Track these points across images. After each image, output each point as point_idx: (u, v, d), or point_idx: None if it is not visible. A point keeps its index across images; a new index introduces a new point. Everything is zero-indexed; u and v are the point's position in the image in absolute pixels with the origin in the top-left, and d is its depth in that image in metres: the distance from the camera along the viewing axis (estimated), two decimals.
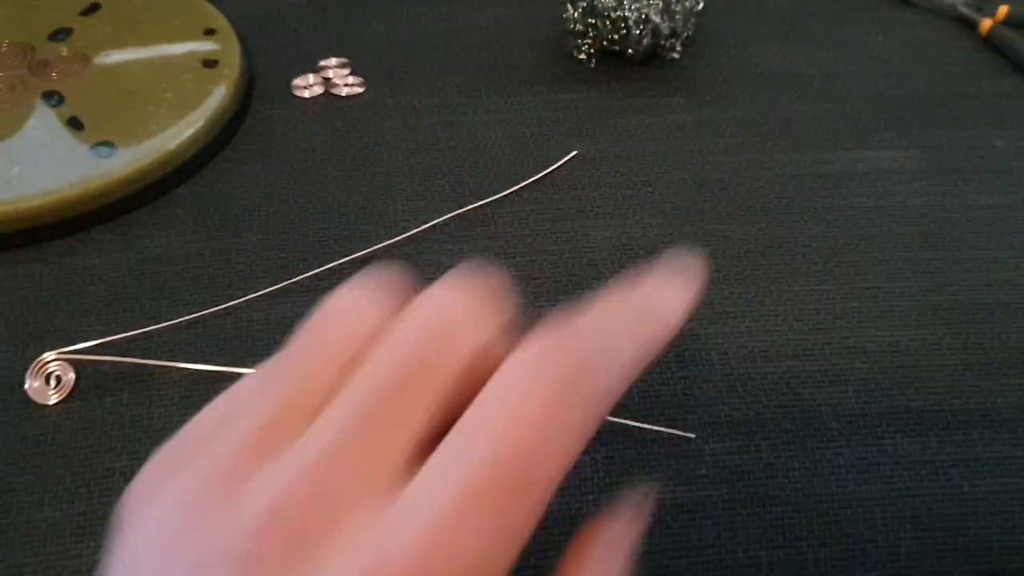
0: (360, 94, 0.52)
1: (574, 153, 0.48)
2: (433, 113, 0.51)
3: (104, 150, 0.46)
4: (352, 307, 0.22)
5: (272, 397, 0.20)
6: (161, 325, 0.40)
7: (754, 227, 0.45)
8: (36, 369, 0.38)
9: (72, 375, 0.38)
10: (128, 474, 0.35)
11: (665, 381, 0.39)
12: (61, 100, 0.49)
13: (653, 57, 0.54)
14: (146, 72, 0.50)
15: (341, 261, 0.42)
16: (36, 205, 0.43)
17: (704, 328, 0.40)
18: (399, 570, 0.17)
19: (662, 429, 0.37)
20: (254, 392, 0.21)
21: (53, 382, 0.38)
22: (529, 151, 0.49)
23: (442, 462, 0.19)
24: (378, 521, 0.18)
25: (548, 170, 0.47)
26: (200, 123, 0.48)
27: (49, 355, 0.38)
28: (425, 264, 0.43)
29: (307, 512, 0.18)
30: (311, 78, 0.53)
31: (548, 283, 0.42)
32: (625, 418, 0.37)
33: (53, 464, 0.36)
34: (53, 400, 0.38)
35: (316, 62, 0.54)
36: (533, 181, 0.46)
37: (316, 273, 0.42)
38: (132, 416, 0.37)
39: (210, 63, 0.51)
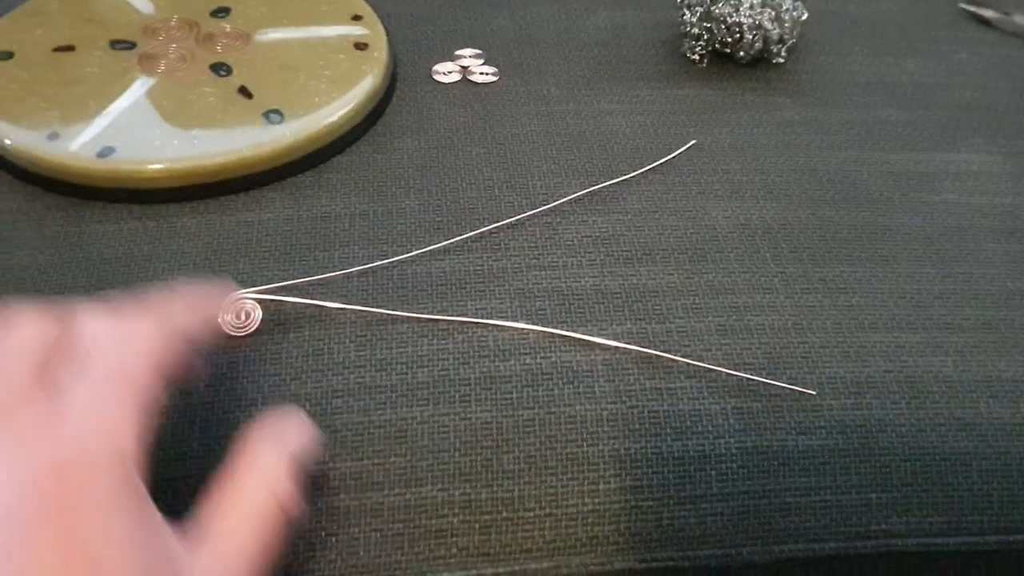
0: (495, 82, 0.56)
1: (692, 142, 0.52)
2: (563, 101, 0.55)
3: (275, 117, 0.50)
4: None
5: None
6: (336, 273, 0.44)
7: (860, 215, 0.49)
8: (228, 305, 0.41)
9: (259, 312, 0.42)
10: (313, 399, 0.39)
11: (787, 345, 0.43)
12: (229, 71, 0.53)
13: (760, 60, 0.58)
14: (304, 50, 0.54)
15: (493, 226, 0.47)
16: (218, 163, 0.47)
17: (819, 300, 0.44)
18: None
19: (787, 386, 0.41)
20: None
21: (243, 317, 0.41)
22: (650, 138, 0.53)
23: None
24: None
25: (671, 156, 0.51)
26: (357, 99, 0.52)
27: (239, 293, 0.42)
28: (564, 231, 0.48)
29: None
30: (449, 65, 0.57)
31: (674, 254, 0.47)
32: (753, 374, 0.41)
33: (247, 389, 0.40)
34: (244, 333, 0.41)
35: (452, 51, 0.58)
36: (658, 165, 0.51)
37: (471, 236, 0.46)
38: (314, 350, 0.41)
39: (361, 46, 0.55)
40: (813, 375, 0.42)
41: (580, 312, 0.44)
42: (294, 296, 0.42)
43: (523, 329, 0.42)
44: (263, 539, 0.29)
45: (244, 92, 0.51)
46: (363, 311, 0.42)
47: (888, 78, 0.59)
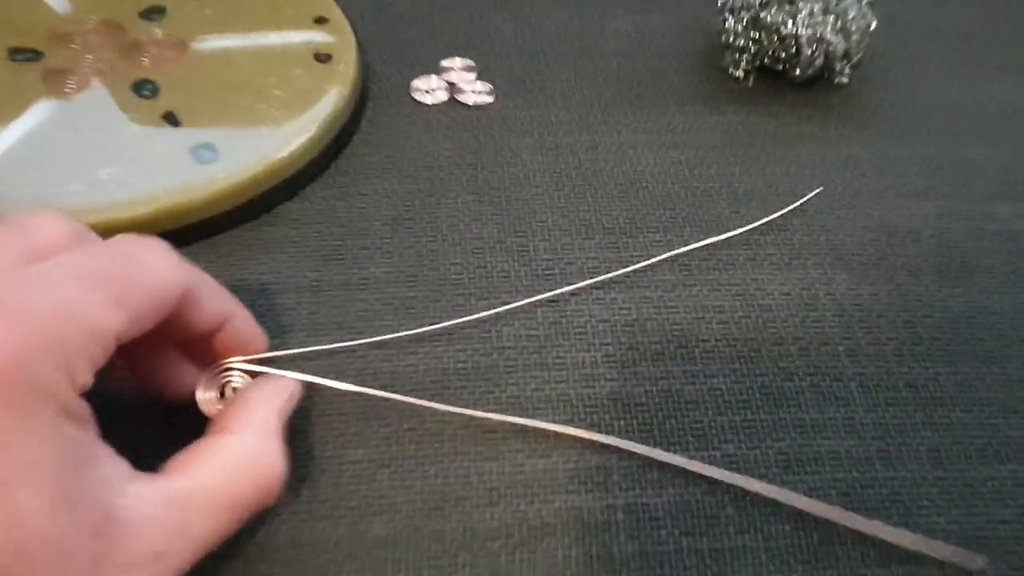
0: (490, 104, 0.45)
1: (816, 191, 0.40)
2: (574, 131, 0.43)
3: (205, 154, 0.39)
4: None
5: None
6: (325, 347, 0.34)
7: (954, 291, 0.37)
8: (211, 376, 0.31)
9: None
10: None
11: (870, 482, 0.31)
12: (155, 91, 0.41)
13: (818, 79, 0.46)
14: (252, 64, 0.43)
15: (482, 315, 0.35)
16: (127, 216, 0.37)
17: (909, 416, 0.33)
18: None
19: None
20: None
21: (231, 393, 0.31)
22: (684, 182, 0.41)
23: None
24: None
25: (745, 229, 0.39)
26: (313, 128, 0.40)
27: (224, 362, 0.31)
28: (573, 314, 0.37)
29: None
30: (433, 80, 0.45)
31: (718, 347, 0.37)
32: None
33: None
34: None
35: (438, 62, 0.46)
36: (721, 239, 0.38)
37: (453, 324, 0.34)
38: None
39: (323, 57, 0.43)
40: (907, 523, 0.29)
41: (592, 426, 0.33)
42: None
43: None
44: (235, 494, 0.26)
45: (170, 119, 0.39)
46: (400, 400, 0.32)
47: (975, 101, 0.47)
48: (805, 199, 0.41)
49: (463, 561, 0.29)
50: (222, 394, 0.30)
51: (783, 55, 0.45)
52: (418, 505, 0.30)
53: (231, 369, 0.30)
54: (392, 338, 0.34)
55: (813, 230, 0.40)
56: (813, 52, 0.44)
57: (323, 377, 0.31)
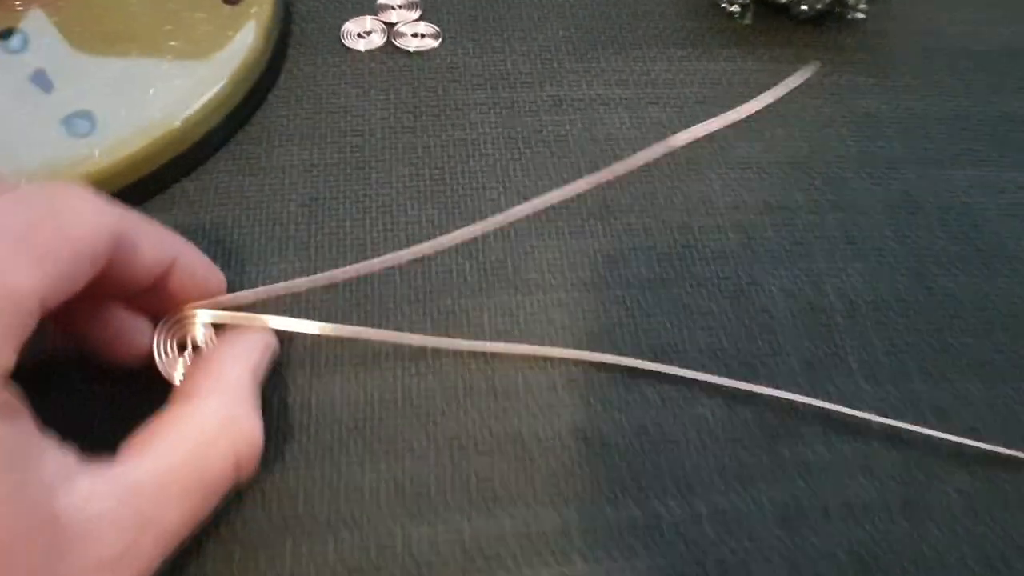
0: (434, 49, 0.36)
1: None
2: (534, 84, 0.35)
3: (80, 124, 0.32)
4: None
5: None
6: (291, 283, 0.25)
7: (991, 283, 0.30)
8: (171, 324, 0.27)
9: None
10: None
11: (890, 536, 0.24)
12: (24, 43, 0.33)
13: (828, 14, 0.37)
14: (145, 8, 0.35)
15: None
16: None
17: (939, 453, 0.26)
18: None
19: None
20: None
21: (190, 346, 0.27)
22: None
23: None
24: None
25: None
26: (217, 86, 0.33)
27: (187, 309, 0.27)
28: (525, 267, 0.28)
29: None
30: (368, 22, 0.37)
31: (705, 356, 0.30)
32: None
33: None
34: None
35: (374, 0, 0.38)
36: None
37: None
38: None
39: None
40: None
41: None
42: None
43: None
44: (204, 472, 0.22)
45: (40, 80, 0.32)
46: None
47: (1015, 44, 0.38)
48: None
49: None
50: (182, 349, 0.26)
51: None
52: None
53: (190, 318, 0.26)
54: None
55: (820, 208, 0.32)
56: None
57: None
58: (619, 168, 0.26)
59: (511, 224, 0.29)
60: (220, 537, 0.25)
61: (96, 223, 0.21)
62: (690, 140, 0.26)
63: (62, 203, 0.21)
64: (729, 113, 0.27)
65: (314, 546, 0.25)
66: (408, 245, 0.29)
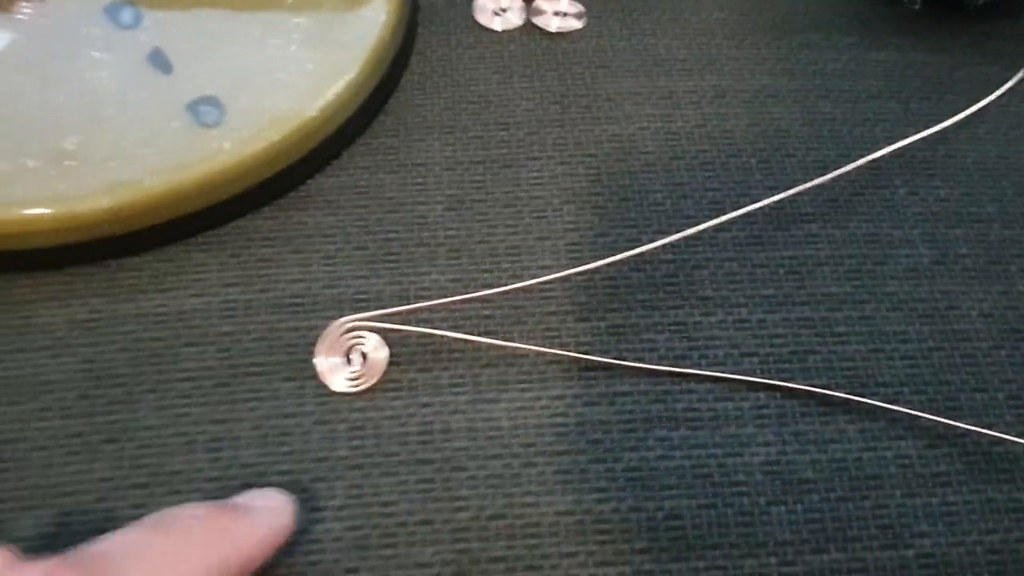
0: (578, 30, 0.37)
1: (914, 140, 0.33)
2: (692, 71, 0.36)
3: (208, 112, 0.32)
4: None
5: None
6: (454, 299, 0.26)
7: None
8: (332, 340, 0.29)
9: (386, 352, 0.30)
10: None
11: None
12: (136, 18, 0.33)
13: (1003, 3, 0.37)
14: None
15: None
16: (104, 207, 0.30)
17: None
18: None
19: None
20: None
21: (359, 362, 0.29)
22: (841, 141, 0.33)
23: None
24: None
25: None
26: (352, 71, 0.33)
27: (345, 320, 0.29)
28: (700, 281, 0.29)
29: None
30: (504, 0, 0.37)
31: (906, 389, 0.30)
32: None
33: None
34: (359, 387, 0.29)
35: None
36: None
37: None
38: None
39: None
40: None
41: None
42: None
43: None
44: None
45: (158, 60, 0.32)
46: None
47: None
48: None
49: None
50: (348, 359, 0.28)
51: None
52: None
53: (354, 330, 0.28)
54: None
55: (1015, 220, 0.32)
56: None
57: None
58: (814, 183, 0.26)
59: (687, 238, 0.29)
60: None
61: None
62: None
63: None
64: (947, 123, 0.27)
65: None
66: (567, 255, 0.30)
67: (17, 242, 0.30)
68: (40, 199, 0.30)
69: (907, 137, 0.33)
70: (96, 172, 0.30)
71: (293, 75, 0.33)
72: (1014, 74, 0.37)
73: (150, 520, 0.23)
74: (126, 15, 0.34)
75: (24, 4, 0.34)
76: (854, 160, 0.33)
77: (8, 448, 0.27)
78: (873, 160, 0.33)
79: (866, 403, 0.28)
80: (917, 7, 0.39)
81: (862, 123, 0.35)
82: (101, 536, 0.22)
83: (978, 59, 0.38)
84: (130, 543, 0.22)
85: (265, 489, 0.26)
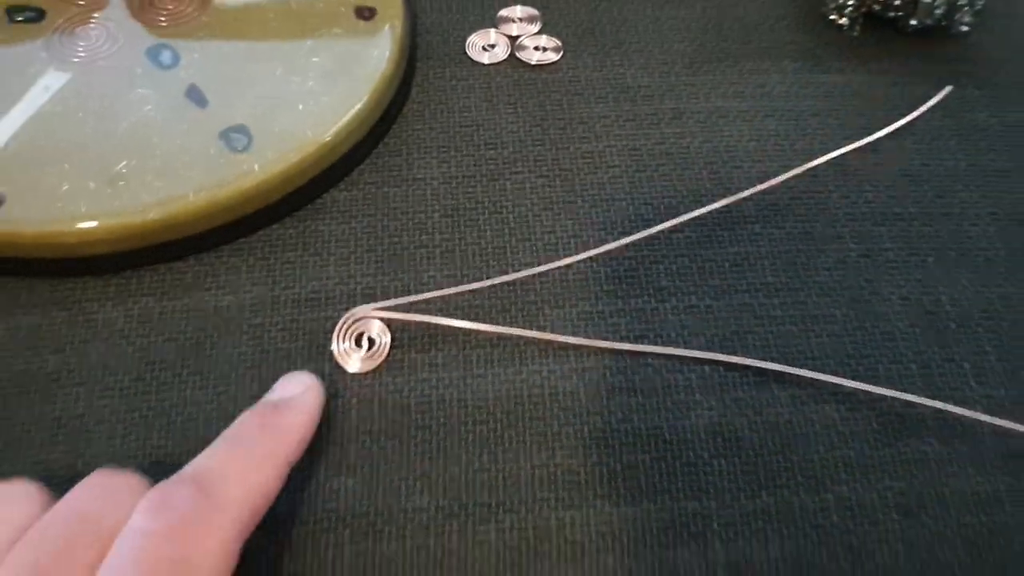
0: (555, 62, 0.42)
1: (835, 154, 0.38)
2: (654, 96, 0.41)
3: (238, 139, 0.37)
4: (5, 500, 0.26)
5: None
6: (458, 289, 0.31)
7: None
8: (347, 327, 0.35)
9: (388, 338, 0.35)
10: None
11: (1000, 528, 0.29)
12: (175, 58, 0.39)
13: (934, 29, 0.42)
14: (283, 22, 0.40)
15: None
16: (153, 219, 0.35)
17: None
18: None
19: None
20: None
21: (367, 344, 0.35)
22: (783, 154, 0.38)
23: None
24: None
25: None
26: (361, 101, 0.38)
27: (358, 310, 0.35)
28: (657, 274, 0.35)
29: None
30: (492, 35, 0.42)
31: (827, 362, 0.35)
32: None
33: None
34: (368, 367, 0.35)
35: (496, 12, 0.43)
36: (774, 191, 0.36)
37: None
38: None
39: (365, 12, 0.41)
40: None
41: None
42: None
43: None
44: None
45: (195, 95, 0.37)
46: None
47: None
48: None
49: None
50: (358, 343, 0.34)
51: (897, 2, 0.41)
52: (492, 562, 0.30)
53: (366, 318, 0.34)
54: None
55: (933, 218, 0.37)
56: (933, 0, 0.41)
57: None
58: (756, 189, 0.32)
59: (647, 238, 0.35)
60: (393, 520, 0.30)
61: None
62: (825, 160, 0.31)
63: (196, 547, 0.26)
64: (877, 135, 0.33)
65: (477, 528, 0.30)
66: (545, 253, 0.35)
67: (82, 250, 0.35)
68: (99, 214, 0.35)
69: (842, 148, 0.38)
70: (144, 191, 0.35)
71: (311, 106, 0.38)
72: (940, 91, 0.42)
73: (225, 438, 0.29)
74: (165, 56, 0.40)
75: (78, 50, 0.40)
76: (794, 170, 0.38)
77: (77, 422, 0.32)
78: (810, 168, 0.38)
79: (795, 373, 0.33)
80: (856, 33, 0.44)
81: (802, 137, 0.40)
82: (198, 456, 0.28)
83: (909, 79, 0.43)
84: (220, 460, 0.27)
85: (294, 374, 0.32)
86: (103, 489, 0.26)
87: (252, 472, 0.27)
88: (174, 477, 0.27)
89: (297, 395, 0.31)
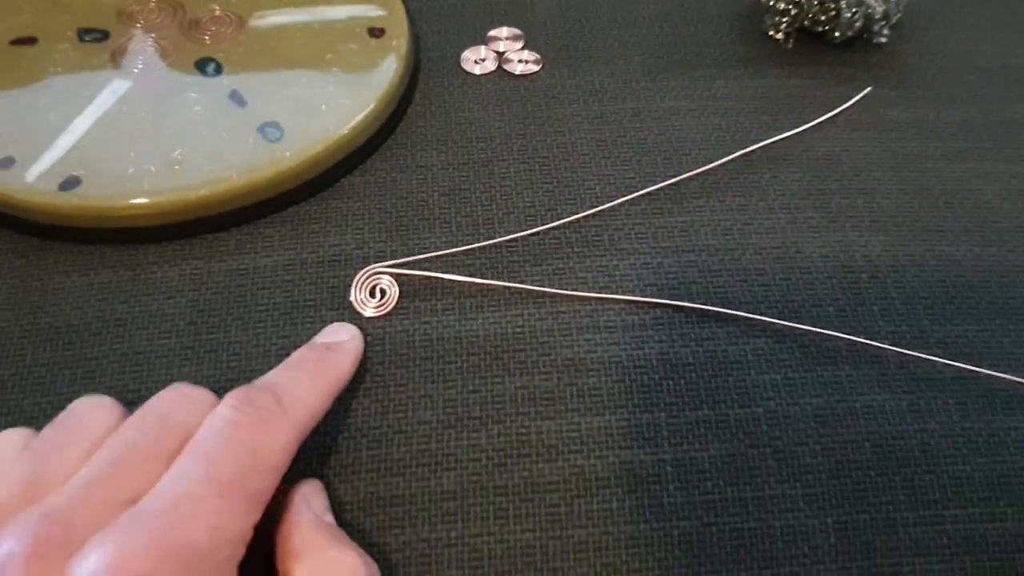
0: (536, 72, 0.48)
1: (767, 142, 0.44)
2: (618, 99, 0.47)
3: (272, 132, 0.42)
4: (90, 409, 0.30)
5: (27, 469, 0.27)
6: (461, 249, 0.36)
7: (986, 251, 0.41)
8: (362, 281, 0.40)
9: (396, 290, 0.40)
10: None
11: (901, 435, 0.35)
12: (219, 69, 0.45)
13: (856, 40, 0.48)
14: (307, 40, 0.46)
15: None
16: (204, 195, 0.40)
17: (939, 373, 0.36)
18: (143, 550, 0.24)
19: None
20: (14, 462, 0.28)
21: (379, 295, 0.40)
22: (725, 147, 0.44)
23: (171, 475, 0.27)
24: (127, 517, 0.25)
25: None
26: (373, 103, 0.44)
27: (372, 267, 0.40)
28: (604, 261, 0.41)
29: (74, 519, 0.25)
30: (482, 51, 0.49)
31: (759, 306, 0.40)
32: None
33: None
34: (380, 312, 0.40)
35: (486, 32, 0.49)
36: (724, 168, 0.42)
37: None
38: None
39: (376, 32, 0.47)
40: (935, 471, 0.33)
41: (642, 386, 0.37)
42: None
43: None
44: None
45: (236, 98, 0.43)
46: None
47: (1013, 63, 0.50)
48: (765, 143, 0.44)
49: (525, 511, 0.34)
50: (372, 294, 0.39)
51: (823, 17, 0.48)
52: (483, 462, 0.35)
53: (378, 273, 0.39)
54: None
55: (851, 193, 0.43)
56: (853, 15, 0.47)
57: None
58: (700, 170, 0.38)
59: (610, 209, 0.41)
60: (402, 431, 0.36)
61: (282, 455, 0.30)
62: (758, 147, 0.37)
63: (254, 438, 0.29)
64: (804, 127, 0.39)
65: (470, 435, 0.36)
66: (525, 224, 0.41)
67: (144, 221, 0.40)
68: (159, 191, 0.40)
69: (769, 139, 0.44)
70: (196, 173, 0.40)
71: (332, 106, 0.44)
72: (860, 92, 0.48)
73: (289, 364, 0.33)
74: (210, 68, 0.46)
75: (137, 63, 0.46)
76: (732, 155, 0.44)
77: (141, 357, 0.38)
78: (746, 153, 0.44)
79: (732, 314, 0.39)
80: (790, 46, 0.50)
81: (741, 130, 0.46)
82: (267, 374, 0.32)
83: (834, 82, 0.49)
84: (288, 379, 0.32)
85: (341, 325, 0.37)
86: (182, 396, 0.30)
87: (312, 394, 0.32)
88: (254, 383, 0.31)
89: (344, 341, 0.36)
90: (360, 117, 0.43)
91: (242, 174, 0.41)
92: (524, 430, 0.35)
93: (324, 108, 0.43)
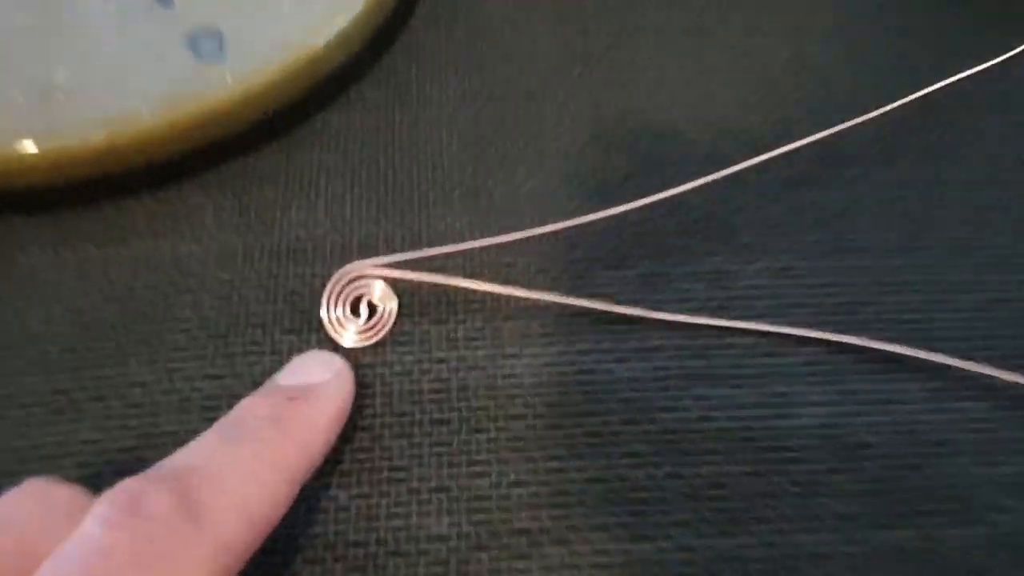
0: None
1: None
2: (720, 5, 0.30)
3: (207, 45, 0.28)
4: None
5: None
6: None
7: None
8: (338, 288, 0.25)
9: (394, 305, 0.25)
10: None
11: None
12: None
13: None
14: None
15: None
16: (94, 144, 0.26)
17: None
18: None
19: None
20: None
21: (367, 312, 0.25)
22: (877, 85, 0.28)
23: None
24: None
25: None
26: (360, 2, 0.29)
27: (352, 267, 0.25)
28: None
29: None
30: None
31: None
32: None
33: None
34: (368, 340, 0.25)
35: None
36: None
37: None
38: None
39: None
40: None
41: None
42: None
43: None
44: None
45: None
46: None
47: None
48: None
49: None
50: (355, 309, 0.25)
51: None
52: None
53: (365, 276, 0.25)
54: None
55: None
56: None
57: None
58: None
59: (735, 175, 0.25)
60: (401, 553, 0.21)
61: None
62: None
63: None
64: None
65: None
66: (594, 196, 0.25)
67: (4, 180, 0.26)
68: (28, 134, 0.26)
69: (957, 75, 0.28)
70: (89, 106, 0.27)
71: (297, 5, 0.29)
72: None
73: (222, 428, 0.21)
74: None
75: None
76: (899, 98, 0.27)
77: None
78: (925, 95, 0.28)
79: (932, 361, 0.23)
80: None
81: (891, 68, 0.30)
82: (181, 449, 0.20)
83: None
84: (213, 460, 0.20)
85: (316, 354, 0.23)
86: (32, 501, 0.19)
87: (255, 482, 0.19)
88: (149, 472, 0.19)
89: (323, 383, 0.23)
90: (340, 22, 0.29)
91: (158, 108, 0.27)
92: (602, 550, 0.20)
93: (287, 8, 0.29)
